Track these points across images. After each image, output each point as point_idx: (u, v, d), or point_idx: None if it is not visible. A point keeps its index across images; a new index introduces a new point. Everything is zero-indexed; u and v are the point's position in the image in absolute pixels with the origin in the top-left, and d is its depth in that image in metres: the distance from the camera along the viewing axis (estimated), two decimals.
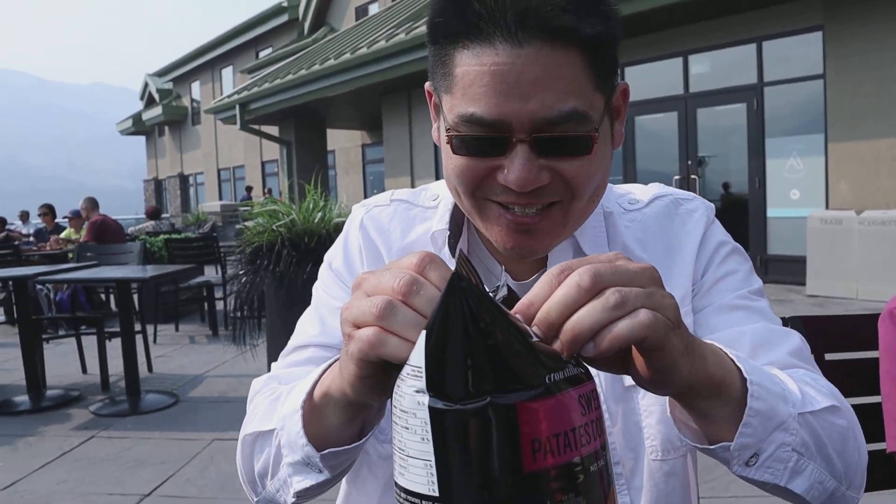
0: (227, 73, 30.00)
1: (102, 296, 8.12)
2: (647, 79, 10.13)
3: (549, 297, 0.54)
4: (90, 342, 5.76)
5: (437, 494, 0.47)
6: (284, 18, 24.80)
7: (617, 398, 0.92)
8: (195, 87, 33.14)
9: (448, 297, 0.48)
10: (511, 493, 0.46)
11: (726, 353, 0.69)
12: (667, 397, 0.91)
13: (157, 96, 35.49)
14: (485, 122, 0.77)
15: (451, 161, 0.83)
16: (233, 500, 3.23)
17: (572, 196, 0.82)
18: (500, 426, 0.46)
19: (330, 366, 0.74)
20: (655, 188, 1.05)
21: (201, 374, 5.71)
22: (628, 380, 0.90)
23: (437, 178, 12.62)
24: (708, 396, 0.64)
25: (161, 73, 35.69)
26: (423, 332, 0.49)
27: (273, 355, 4.76)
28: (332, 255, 1.06)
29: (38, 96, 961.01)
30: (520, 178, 0.77)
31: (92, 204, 8.93)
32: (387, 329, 0.55)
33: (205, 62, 31.00)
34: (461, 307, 0.47)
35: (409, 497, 0.49)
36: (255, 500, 0.88)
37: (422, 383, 0.48)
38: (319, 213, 4.78)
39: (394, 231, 1.01)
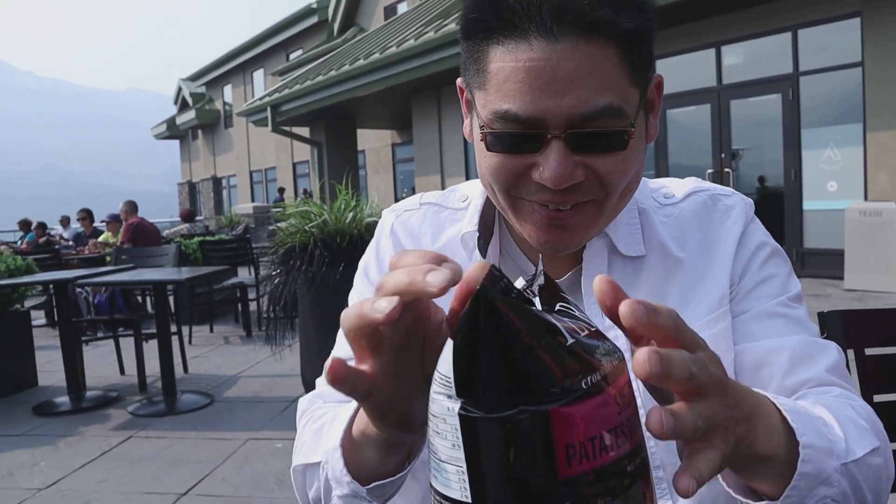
0: (259, 75, 30.29)
1: (139, 298, 8.26)
2: (679, 71, 10.00)
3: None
4: (127, 344, 5.86)
5: (469, 501, 0.47)
6: (314, 20, 24.97)
7: (655, 403, 0.90)
8: (227, 90, 33.53)
9: (475, 304, 0.46)
10: (546, 500, 0.45)
11: (780, 411, 0.66)
12: None
13: (190, 100, 35.98)
14: (519, 119, 0.76)
15: (486, 159, 0.82)
16: (267, 499, 3.26)
17: (606, 193, 0.81)
18: (533, 434, 0.45)
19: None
20: (692, 183, 1.02)
21: (236, 375, 5.77)
22: None
23: (468, 176, 12.53)
24: (755, 467, 0.64)
25: (194, 78, 36.16)
26: (450, 340, 0.48)
27: (306, 355, 4.80)
28: (366, 264, 1.05)
29: (75, 104, 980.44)
30: (555, 174, 0.76)
31: (131, 207, 9.10)
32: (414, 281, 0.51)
33: (236, 66, 31.34)
34: (489, 314, 0.46)
35: (443, 500, 0.49)
36: None
37: (451, 390, 0.47)
38: (351, 213, 4.80)
39: (424, 235, 1.01)
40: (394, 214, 1.05)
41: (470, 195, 1.02)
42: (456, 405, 0.47)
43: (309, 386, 4.33)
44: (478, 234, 0.95)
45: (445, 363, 0.48)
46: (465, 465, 0.46)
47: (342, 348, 1.00)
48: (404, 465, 0.74)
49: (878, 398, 1.27)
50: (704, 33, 9.69)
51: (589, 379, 0.46)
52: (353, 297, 1.04)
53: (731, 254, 0.94)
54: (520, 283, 0.50)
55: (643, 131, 0.84)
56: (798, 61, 9.03)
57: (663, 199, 0.99)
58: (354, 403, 0.74)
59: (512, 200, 0.84)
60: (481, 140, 0.81)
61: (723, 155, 9.86)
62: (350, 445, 0.73)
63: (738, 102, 9.78)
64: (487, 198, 0.97)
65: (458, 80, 0.89)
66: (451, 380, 0.47)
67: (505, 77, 0.76)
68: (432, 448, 0.50)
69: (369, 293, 1.01)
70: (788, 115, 9.17)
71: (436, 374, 0.49)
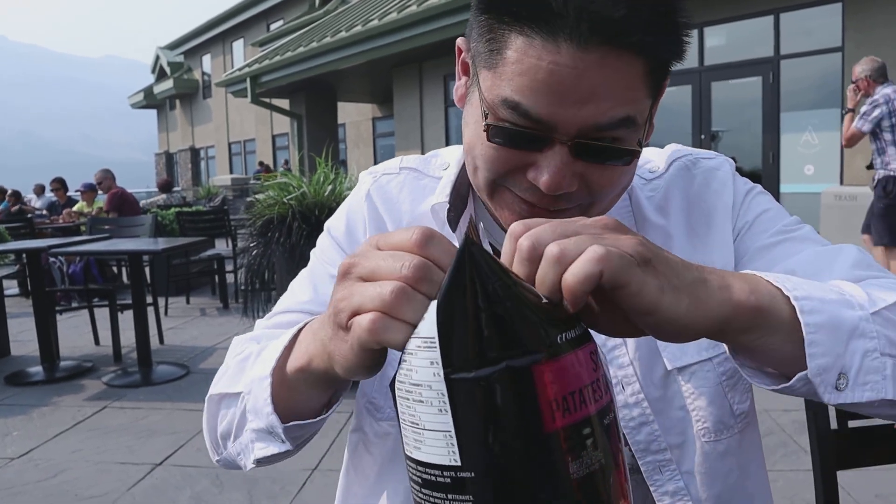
0: (238, 45, 29.84)
1: (114, 268, 8.18)
2: None
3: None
4: (102, 314, 5.81)
5: (459, 463, 0.47)
6: None
7: (657, 384, 0.87)
8: (206, 60, 33.03)
9: (459, 267, 0.47)
10: (533, 453, 0.46)
11: (763, 278, 0.62)
12: (719, 367, 0.88)
13: (168, 70, 35.41)
14: (529, 116, 0.72)
15: (481, 145, 0.78)
16: (241, 471, 3.27)
17: (591, 202, 0.79)
18: (517, 390, 0.46)
19: (300, 331, 0.71)
20: (672, 150, 1.00)
21: (212, 346, 5.75)
22: (669, 363, 0.87)
23: None
24: (748, 329, 0.58)
25: (172, 47, 35.56)
26: (434, 304, 0.49)
27: None
28: (334, 223, 1.02)
29: (50, 70, 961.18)
30: (552, 182, 0.73)
31: (112, 175, 8.99)
32: (394, 315, 0.51)
33: (216, 35, 30.85)
34: (472, 276, 0.47)
35: (427, 469, 0.49)
36: (217, 459, 0.89)
37: (436, 354, 0.48)
38: (330, 186, 4.77)
39: (403, 202, 0.97)
40: (371, 177, 1.01)
41: (451, 163, 0.98)
42: (441, 370, 0.47)
43: None
44: (448, 206, 0.92)
45: (428, 326, 0.48)
46: (453, 430, 0.47)
47: (291, 299, 0.98)
48: (324, 410, 0.74)
49: None
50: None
51: (564, 335, 0.49)
52: (315, 255, 1.02)
53: (729, 215, 0.91)
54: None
55: (644, 135, 0.81)
56: (779, 45, 9.06)
57: (648, 174, 0.96)
58: (285, 340, 0.73)
59: (493, 188, 0.81)
60: (483, 130, 0.76)
61: (702, 136, 9.91)
62: (281, 380, 0.71)
63: (719, 84, 9.81)
64: (461, 168, 0.94)
65: (460, 41, 0.84)
66: (436, 341, 0.48)
67: (522, 70, 0.70)
68: (412, 419, 0.50)
69: (332, 252, 0.99)
70: (768, 98, 9.22)
71: (416, 343, 0.49)
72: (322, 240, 1.03)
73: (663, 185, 0.94)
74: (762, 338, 0.59)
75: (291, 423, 0.72)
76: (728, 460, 0.89)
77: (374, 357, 0.55)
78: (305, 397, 0.71)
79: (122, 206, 8.28)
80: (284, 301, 0.99)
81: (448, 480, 0.48)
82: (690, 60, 9.89)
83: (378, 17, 12.01)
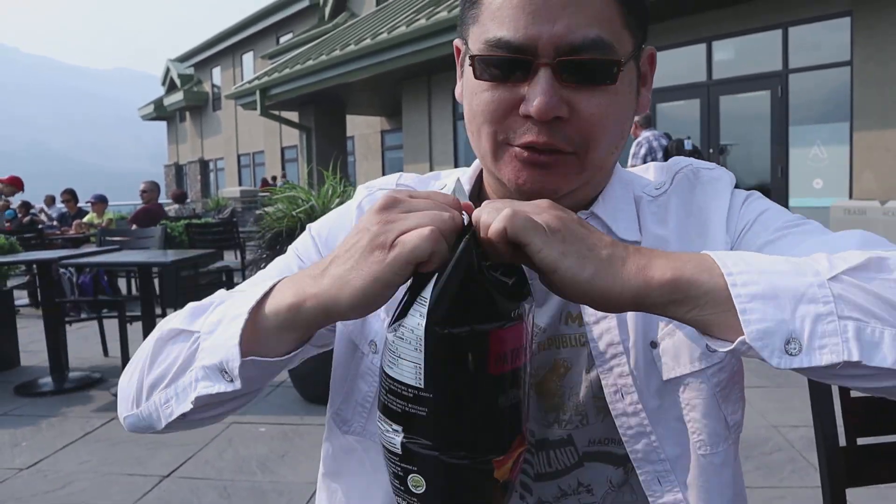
0: (248, 58, 30.04)
1: (124, 280, 8.21)
2: (669, 65, 10.00)
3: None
4: (112, 325, 5.83)
5: (422, 386, 0.63)
6: (305, 3, 24.76)
7: (655, 393, 0.88)
8: (216, 72, 33.25)
9: (463, 254, 0.63)
10: (477, 388, 0.64)
11: (710, 256, 0.65)
12: (713, 378, 0.88)
13: (178, 82, 35.66)
14: (511, 46, 0.78)
15: (475, 95, 0.83)
16: (249, 482, 3.27)
17: (586, 146, 0.82)
18: (475, 346, 0.63)
19: (277, 283, 0.74)
20: (673, 162, 1.00)
21: None
22: (666, 373, 0.88)
23: (457, 165, 12.45)
24: (672, 302, 0.64)
25: (182, 59, 35.82)
26: (437, 274, 0.63)
27: None
28: (318, 226, 1.02)
29: (61, 81, 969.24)
30: (541, 103, 0.77)
31: (157, 189, 9.10)
32: (444, 238, 0.64)
33: (225, 48, 31.07)
34: (468, 261, 0.63)
35: (395, 383, 0.65)
36: (128, 415, 0.84)
37: (425, 310, 0.62)
38: (338, 199, 4.78)
39: None
40: (367, 191, 1.03)
41: (449, 185, 0.99)
42: (424, 321, 0.62)
43: (293, 372, 4.33)
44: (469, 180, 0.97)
45: (429, 289, 0.63)
46: (422, 364, 0.63)
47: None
48: (289, 352, 0.74)
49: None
50: (695, 28, 9.71)
51: (515, 311, 0.65)
52: (292, 251, 1.00)
53: (723, 226, 0.91)
54: None
55: (633, 89, 0.85)
56: (788, 59, 9.07)
57: (654, 191, 0.96)
58: (262, 285, 0.75)
59: (496, 146, 0.84)
60: (469, 66, 0.82)
61: (711, 150, 9.90)
62: (255, 318, 0.72)
63: (728, 98, 9.82)
64: (476, 180, 0.98)
65: (456, 41, 0.90)
66: (427, 301, 0.62)
67: (499, 5, 0.79)
68: (392, 347, 0.65)
69: (312, 251, 0.98)
70: (777, 112, 9.21)
71: (419, 298, 0.63)
72: (303, 238, 1.02)
73: (665, 201, 0.95)
74: (694, 310, 0.64)
75: (249, 358, 0.71)
76: (725, 472, 0.90)
77: (400, 278, 0.64)
78: (275, 342, 0.73)
79: (144, 224, 8.35)
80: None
81: (411, 395, 0.64)
82: (699, 74, 9.92)
83: (387, 30, 12.09)
